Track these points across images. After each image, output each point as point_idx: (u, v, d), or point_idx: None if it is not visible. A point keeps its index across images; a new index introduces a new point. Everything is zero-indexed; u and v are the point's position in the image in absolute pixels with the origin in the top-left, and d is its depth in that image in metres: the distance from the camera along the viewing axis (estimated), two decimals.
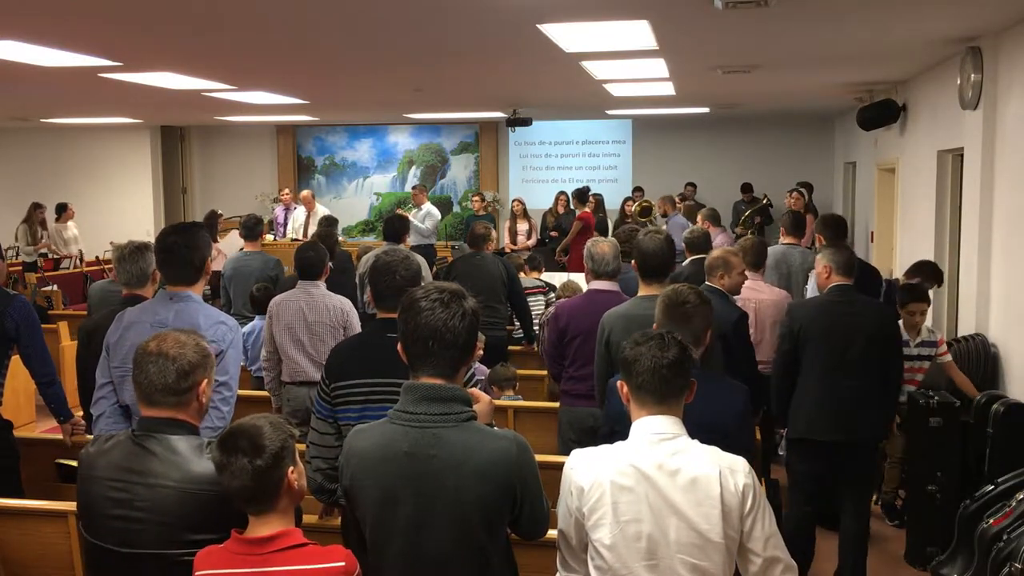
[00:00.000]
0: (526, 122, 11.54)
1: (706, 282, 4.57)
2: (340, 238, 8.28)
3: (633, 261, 4.12)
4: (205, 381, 2.47)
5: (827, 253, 4.42)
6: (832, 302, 4.27)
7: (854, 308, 4.25)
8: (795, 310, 4.42)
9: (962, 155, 6.11)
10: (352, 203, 15.14)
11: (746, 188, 12.90)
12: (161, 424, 2.42)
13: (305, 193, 12.30)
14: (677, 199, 11.56)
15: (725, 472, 2.28)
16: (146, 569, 2.36)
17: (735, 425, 2.97)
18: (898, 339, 4.46)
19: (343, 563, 2.20)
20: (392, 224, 7.16)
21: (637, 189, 13.46)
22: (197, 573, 2.24)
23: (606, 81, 8.03)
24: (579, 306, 4.56)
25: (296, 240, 11.60)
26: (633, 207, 11.68)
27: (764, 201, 12.04)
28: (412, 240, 10.77)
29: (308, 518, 3.36)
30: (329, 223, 8.07)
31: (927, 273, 5.42)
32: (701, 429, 2.46)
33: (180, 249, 3.40)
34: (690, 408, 2.49)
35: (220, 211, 11.42)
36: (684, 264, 5.81)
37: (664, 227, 9.95)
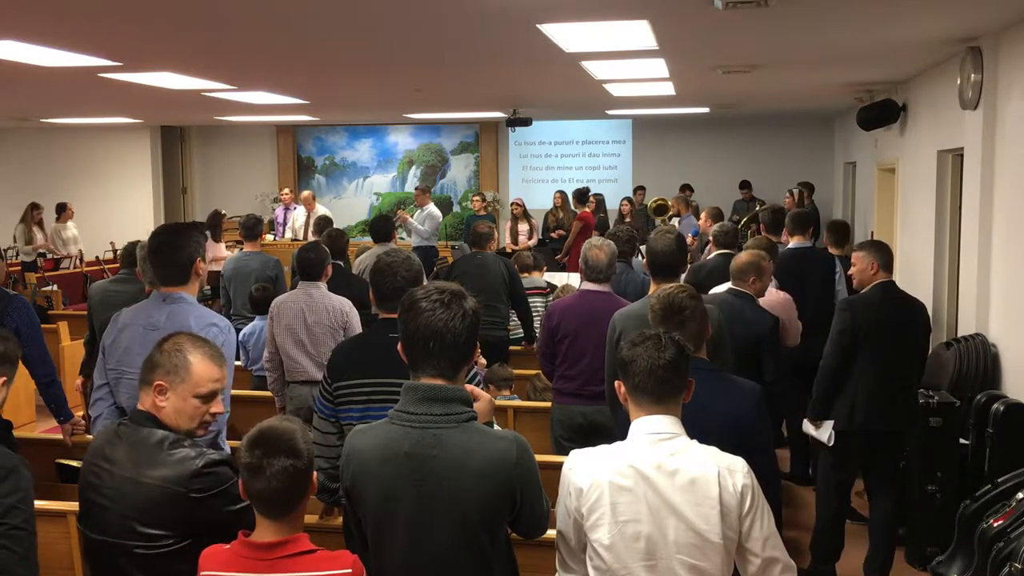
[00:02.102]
0: (526, 122, 11.54)
1: (732, 285, 4.59)
2: None
3: (644, 260, 4.15)
4: (162, 384, 2.48)
5: (871, 250, 4.54)
6: (885, 299, 4.43)
7: (903, 303, 4.50)
8: (854, 306, 4.48)
9: (962, 155, 6.11)
10: (352, 203, 15.14)
11: (744, 185, 12.91)
12: (141, 416, 2.48)
13: (305, 194, 12.30)
14: (692, 201, 11.65)
15: (724, 472, 2.28)
16: (108, 557, 2.40)
17: (753, 423, 2.97)
18: (930, 333, 4.66)
19: (350, 569, 2.19)
20: (377, 225, 7.16)
21: (639, 188, 13.45)
22: (202, 573, 2.23)
23: (606, 81, 8.03)
24: (570, 306, 4.59)
25: (296, 241, 11.60)
26: (649, 204, 11.68)
27: (757, 208, 12.04)
28: (413, 241, 10.81)
29: (309, 518, 3.37)
30: (326, 223, 8.07)
31: None
32: (720, 429, 2.46)
33: (167, 249, 3.42)
34: (708, 410, 2.49)
35: (224, 211, 11.41)
36: (711, 256, 6.03)
37: (677, 227, 9.96)
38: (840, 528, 4.58)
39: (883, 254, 4.51)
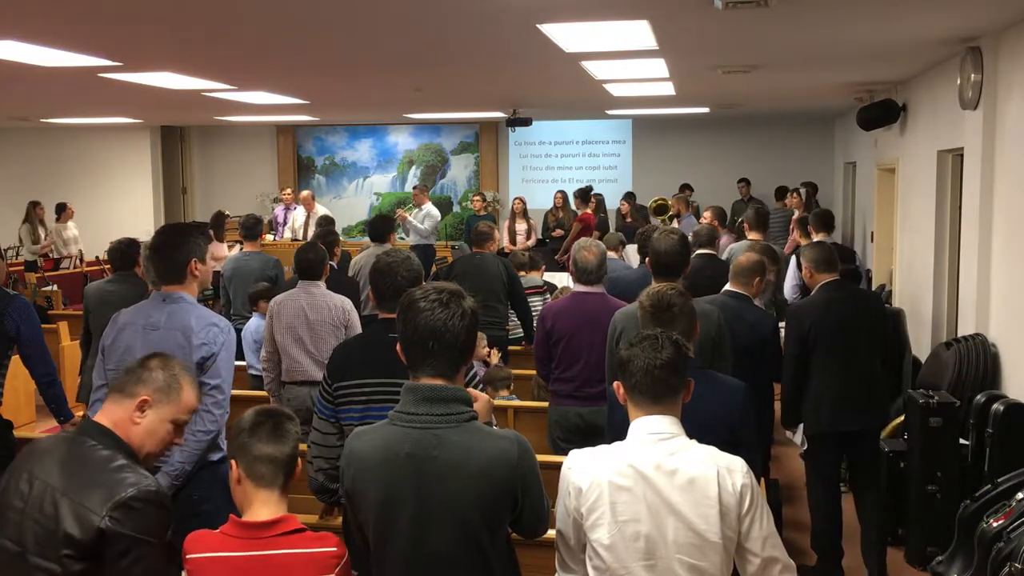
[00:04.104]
0: (526, 122, 11.53)
1: (730, 287, 4.58)
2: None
3: (647, 259, 4.16)
4: (148, 400, 2.36)
5: (804, 253, 4.60)
6: (832, 300, 4.42)
7: (853, 302, 4.48)
8: (800, 312, 4.52)
9: (962, 155, 6.11)
10: (352, 203, 15.13)
11: (742, 181, 12.88)
12: (96, 429, 2.32)
13: (305, 193, 12.23)
14: (692, 201, 11.64)
15: (723, 472, 2.28)
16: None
17: (739, 421, 2.99)
18: (893, 325, 4.61)
19: (335, 548, 2.29)
20: (375, 225, 7.17)
21: (629, 194, 13.10)
22: (190, 556, 2.26)
23: (606, 81, 8.02)
24: (564, 308, 4.59)
25: (296, 240, 11.58)
26: (649, 204, 11.66)
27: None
28: (411, 240, 10.82)
29: (308, 518, 3.38)
30: (327, 223, 8.08)
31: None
32: (706, 428, 2.47)
33: (164, 249, 3.44)
34: (695, 408, 2.49)
35: (227, 212, 11.40)
36: (691, 257, 5.98)
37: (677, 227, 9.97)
38: (835, 524, 4.61)
39: (816, 255, 4.53)
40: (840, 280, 4.52)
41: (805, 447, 4.59)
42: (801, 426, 4.59)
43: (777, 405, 5.17)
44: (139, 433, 2.34)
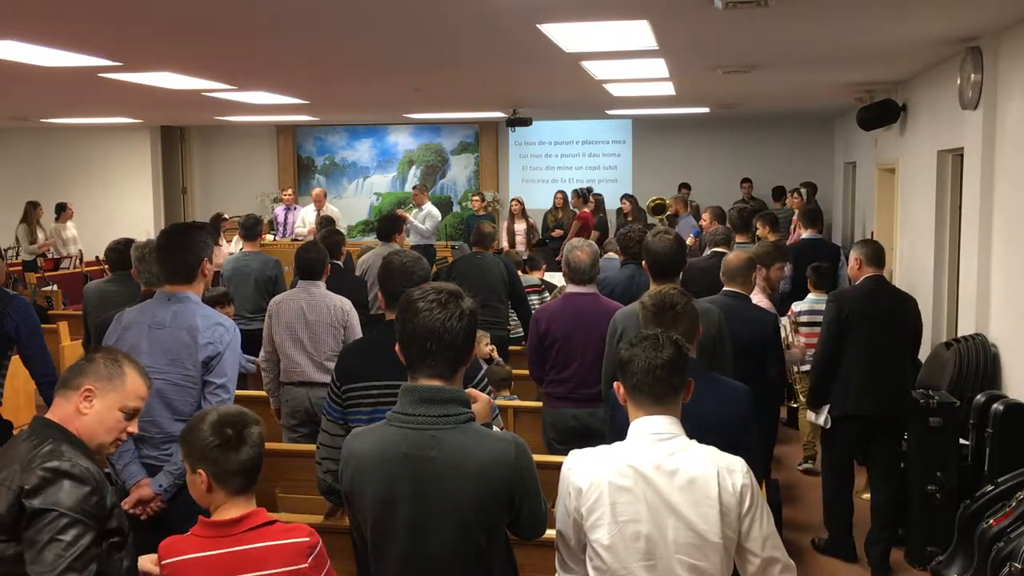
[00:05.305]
0: (526, 122, 11.53)
1: (727, 287, 4.59)
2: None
3: (644, 261, 4.16)
4: (92, 390, 2.37)
5: (857, 248, 4.89)
6: (873, 290, 4.67)
7: (891, 297, 4.74)
8: (841, 297, 4.76)
9: (962, 155, 6.11)
10: (352, 203, 15.13)
11: (745, 181, 12.87)
12: (43, 424, 2.34)
13: (317, 191, 11.83)
14: (691, 201, 11.66)
15: (723, 472, 2.28)
16: None
17: (742, 425, 2.98)
18: (921, 326, 4.89)
19: (308, 538, 2.33)
20: (384, 223, 7.19)
21: (626, 196, 13.07)
22: (165, 561, 2.28)
23: (606, 81, 8.02)
24: (558, 310, 4.57)
25: (295, 240, 11.53)
26: (647, 203, 11.67)
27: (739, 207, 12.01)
28: (412, 240, 10.82)
29: (314, 518, 3.39)
30: (327, 223, 8.08)
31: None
32: (707, 429, 2.47)
33: (175, 248, 3.44)
34: (697, 410, 2.49)
35: (226, 213, 11.37)
36: (705, 255, 6.29)
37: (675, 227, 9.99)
38: (845, 507, 4.77)
39: (867, 250, 4.77)
40: (880, 276, 4.74)
41: (828, 426, 4.75)
42: (826, 407, 4.76)
43: (781, 407, 5.25)
44: (88, 423, 2.36)
